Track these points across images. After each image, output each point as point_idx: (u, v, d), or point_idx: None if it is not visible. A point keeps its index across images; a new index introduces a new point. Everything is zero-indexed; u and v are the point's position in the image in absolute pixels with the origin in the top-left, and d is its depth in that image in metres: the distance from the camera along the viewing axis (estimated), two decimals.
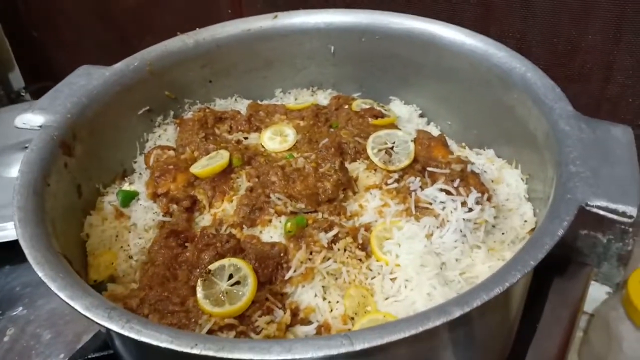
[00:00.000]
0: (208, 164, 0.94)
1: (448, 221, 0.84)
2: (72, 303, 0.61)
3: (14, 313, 1.17)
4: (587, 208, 0.68)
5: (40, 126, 0.90)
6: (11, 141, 1.51)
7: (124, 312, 0.61)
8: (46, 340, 1.12)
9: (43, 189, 0.80)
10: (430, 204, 0.87)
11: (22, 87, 2.29)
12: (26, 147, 1.42)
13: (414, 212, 0.87)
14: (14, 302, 1.19)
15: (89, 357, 0.99)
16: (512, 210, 0.92)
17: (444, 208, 0.86)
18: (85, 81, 0.99)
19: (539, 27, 1.18)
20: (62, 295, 0.62)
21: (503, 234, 0.88)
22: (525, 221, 0.89)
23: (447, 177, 0.88)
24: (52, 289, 0.63)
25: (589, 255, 1.42)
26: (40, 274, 0.64)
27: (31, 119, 0.91)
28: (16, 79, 2.29)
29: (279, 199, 0.88)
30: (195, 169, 0.94)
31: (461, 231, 0.83)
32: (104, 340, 1.00)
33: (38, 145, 0.85)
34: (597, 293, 1.49)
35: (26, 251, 0.67)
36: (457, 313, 0.56)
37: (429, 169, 0.92)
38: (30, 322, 1.15)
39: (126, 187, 0.98)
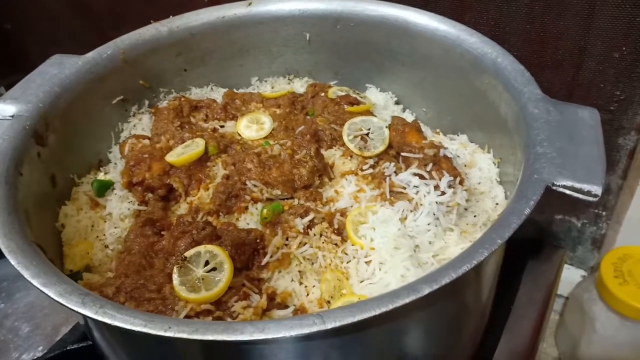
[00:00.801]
0: (184, 152, 0.94)
1: (421, 205, 0.85)
2: (45, 290, 0.61)
3: None
4: (554, 188, 0.69)
5: (12, 116, 0.89)
6: None
7: (97, 298, 0.61)
8: (25, 333, 1.11)
9: (15, 179, 0.79)
10: (404, 188, 0.88)
11: None
12: None
13: (388, 196, 0.88)
14: None
15: (68, 348, 0.99)
16: (484, 194, 0.94)
17: (417, 192, 0.87)
18: (57, 70, 0.98)
19: (513, 14, 1.20)
20: (35, 282, 0.62)
21: (475, 216, 0.89)
22: (497, 204, 0.91)
23: (420, 162, 0.89)
24: (26, 276, 0.63)
25: (564, 240, 1.45)
26: (13, 262, 0.64)
27: (2, 108, 0.89)
28: None
29: (255, 185, 0.88)
30: (171, 157, 0.94)
31: (434, 214, 0.84)
32: (83, 332, 1.00)
33: (10, 134, 0.84)
34: (572, 277, 1.52)
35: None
36: (426, 290, 0.57)
37: (403, 154, 0.93)
38: (8, 315, 1.14)
39: (101, 176, 0.97)
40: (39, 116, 0.89)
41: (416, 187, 0.87)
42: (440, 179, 0.86)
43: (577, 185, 0.69)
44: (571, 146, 0.76)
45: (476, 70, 0.98)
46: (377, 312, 0.56)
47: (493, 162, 0.97)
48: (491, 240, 0.62)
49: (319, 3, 1.14)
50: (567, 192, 0.69)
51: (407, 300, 0.56)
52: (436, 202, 0.85)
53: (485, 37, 0.99)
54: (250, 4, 1.14)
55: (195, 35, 1.12)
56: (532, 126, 0.80)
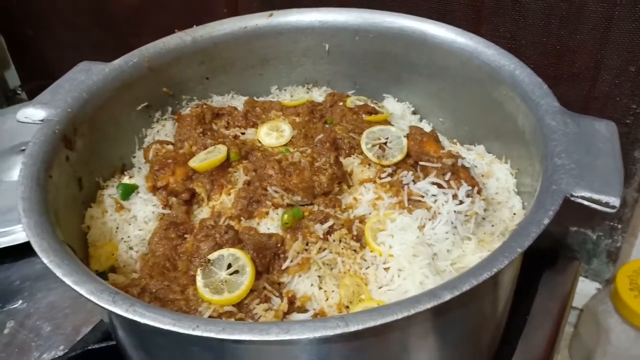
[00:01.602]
0: (206, 158, 0.96)
1: (439, 213, 0.87)
2: (77, 288, 0.63)
3: (14, 306, 1.19)
4: (572, 199, 0.71)
5: (42, 120, 0.92)
6: (7, 145, 1.52)
7: (127, 296, 0.63)
8: (46, 333, 1.13)
9: (46, 181, 0.82)
10: (422, 197, 0.89)
11: (18, 86, 2.30)
12: (23, 150, 1.45)
13: (406, 204, 0.90)
14: (14, 296, 1.21)
15: (89, 348, 1.01)
16: (501, 203, 0.95)
17: (435, 201, 0.88)
18: (85, 77, 1.01)
19: (529, 27, 1.22)
20: (67, 280, 0.64)
21: (493, 225, 0.91)
22: (514, 214, 0.92)
23: (438, 171, 0.91)
24: (58, 274, 0.65)
25: (579, 252, 1.45)
26: (45, 261, 0.66)
27: (33, 113, 0.92)
28: (12, 77, 2.30)
29: (275, 191, 0.90)
30: (194, 163, 0.96)
31: (452, 223, 0.86)
32: (104, 332, 1.02)
33: (40, 138, 0.87)
34: (587, 289, 1.52)
35: (31, 239, 0.69)
36: (447, 296, 0.59)
37: (421, 163, 0.95)
38: (29, 315, 1.16)
39: (126, 180, 1.00)
40: (68, 121, 0.92)
41: (434, 195, 0.89)
42: (458, 188, 0.88)
43: (595, 196, 0.70)
44: (589, 158, 0.77)
45: (493, 82, 0.99)
46: (399, 316, 0.57)
47: (510, 173, 0.98)
48: (511, 249, 0.63)
49: (338, 15, 1.16)
50: (585, 203, 0.71)
51: (428, 306, 0.58)
52: (454, 211, 0.86)
53: (502, 50, 1.00)
54: (271, 14, 1.17)
55: (218, 44, 1.15)
56: (550, 138, 0.81)
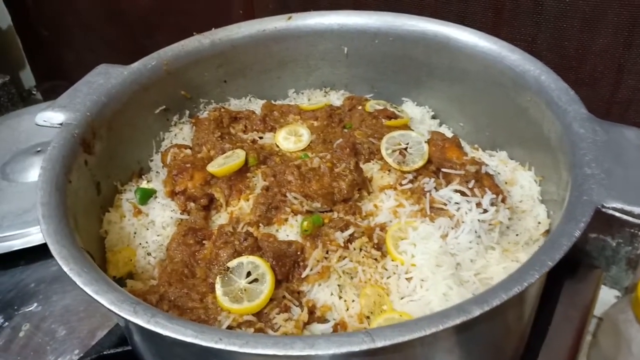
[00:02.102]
0: (225, 163, 0.95)
1: (463, 222, 0.85)
2: (98, 298, 0.63)
3: (29, 309, 1.18)
4: (604, 210, 0.69)
5: (61, 124, 0.91)
6: (23, 145, 1.52)
7: (148, 307, 0.62)
8: (61, 336, 1.13)
9: (65, 186, 0.81)
10: (445, 204, 0.88)
11: (33, 86, 2.31)
12: (39, 151, 1.45)
13: (428, 212, 0.88)
14: (29, 299, 1.20)
15: (104, 353, 1.00)
16: (525, 212, 0.93)
17: (458, 209, 0.87)
18: (103, 80, 1.00)
19: (550, 30, 1.19)
20: (88, 290, 0.63)
21: (517, 235, 0.88)
22: (539, 223, 0.90)
23: (461, 178, 0.89)
24: (78, 283, 0.64)
25: (597, 259, 1.42)
26: (65, 269, 0.66)
27: (52, 116, 0.92)
28: (27, 77, 2.31)
29: (295, 198, 0.89)
30: (212, 167, 0.95)
31: (476, 232, 0.84)
32: (119, 336, 1.02)
33: (59, 142, 0.86)
34: (605, 296, 1.49)
35: (51, 247, 0.69)
36: (476, 312, 0.57)
37: (443, 169, 0.93)
38: (44, 318, 1.16)
39: (144, 185, 0.99)
40: (87, 124, 0.91)
41: (457, 203, 0.87)
42: (482, 196, 0.86)
43: (628, 207, 0.68)
44: (619, 167, 0.75)
45: (517, 87, 0.97)
46: (427, 332, 0.56)
47: (535, 180, 0.96)
48: (541, 262, 0.61)
49: (357, 18, 1.15)
50: (617, 214, 0.69)
51: (457, 322, 0.56)
52: (478, 220, 0.84)
53: (526, 54, 0.98)
54: (290, 17, 1.15)
55: (237, 47, 1.14)
56: (579, 146, 0.79)
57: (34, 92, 2.31)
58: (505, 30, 1.20)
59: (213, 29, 1.14)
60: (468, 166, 0.91)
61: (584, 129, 0.81)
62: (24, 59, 2.30)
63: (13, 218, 1.27)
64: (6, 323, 1.16)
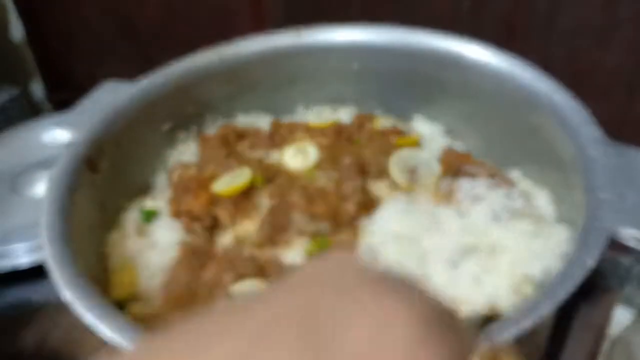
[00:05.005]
0: (230, 182, 0.94)
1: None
2: (98, 325, 0.62)
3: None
4: (617, 239, 0.67)
5: (67, 142, 0.91)
6: (33, 159, 1.51)
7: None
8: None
9: (69, 207, 0.80)
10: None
11: (44, 97, 2.32)
12: (49, 165, 1.44)
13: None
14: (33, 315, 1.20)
15: None
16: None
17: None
18: (110, 97, 1.00)
19: (561, 45, 1.18)
20: (87, 317, 0.62)
21: None
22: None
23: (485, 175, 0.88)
24: (78, 310, 0.63)
25: (610, 278, 1.39)
26: (67, 297, 0.65)
27: (58, 135, 0.92)
28: (37, 88, 2.33)
29: (300, 218, 0.87)
30: (218, 187, 0.94)
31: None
32: None
33: (64, 162, 0.86)
34: (619, 316, 1.46)
35: (55, 273, 0.68)
36: (484, 347, 0.55)
37: (466, 166, 0.91)
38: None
39: (149, 204, 0.98)
40: (93, 144, 0.91)
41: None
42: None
43: None
44: (633, 193, 0.73)
45: (530, 106, 0.95)
46: None
47: (550, 200, 0.94)
48: (554, 295, 0.59)
49: (368, 33, 1.13)
50: (632, 244, 0.66)
51: None
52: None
53: (539, 72, 0.96)
54: (300, 33, 1.14)
55: (246, 63, 1.13)
56: (591, 169, 0.77)
57: (46, 105, 2.32)
58: (516, 45, 1.19)
59: (221, 44, 1.13)
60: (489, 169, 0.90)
61: (597, 151, 0.79)
62: (36, 71, 2.32)
63: (22, 233, 1.27)
64: None
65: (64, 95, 2.23)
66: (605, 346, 1.48)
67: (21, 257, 1.23)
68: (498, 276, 0.77)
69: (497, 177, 0.88)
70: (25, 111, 2.09)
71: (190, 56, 1.10)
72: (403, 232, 0.82)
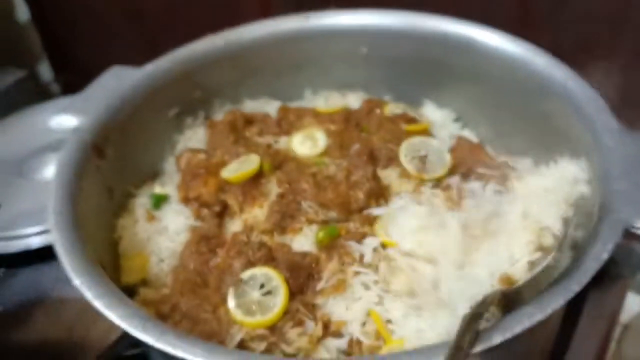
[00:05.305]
0: (239, 169, 0.93)
1: None
2: (107, 312, 0.61)
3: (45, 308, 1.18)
4: (633, 230, 0.65)
5: (73, 129, 0.90)
6: (40, 142, 1.51)
7: (158, 324, 0.61)
8: (76, 337, 1.12)
9: (77, 193, 0.80)
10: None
11: (51, 80, 2.31)
12: (56, 148, 1.43)
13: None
14: (45, 298, 1.20)
15: (120, 355, 1.00)
16: None
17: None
18: (116, 83, 0.99)
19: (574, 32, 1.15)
20: (97, 303, 0.62)
21: None
22: None
23: (497, 180, 0.86)
24: (87, 297, 0.63)
25: (622, 266, 1.38)
26: (76, 282, 0.65)
27: (64, 120, 0.91)
28: (45, 70, 2.32)
29: (310, 207, 0.87)
30: (227, 173, 0.93)
31: None
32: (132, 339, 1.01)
33: (71, 148, 0.85)
34: (631, 303, 1.45)
35: (62, 258, 0.68)
36: (498, 339, 0.55)
37: (479, 170, 0.89)
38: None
39: (158, 190, 0.98)
40: (99, 129, 0.90)
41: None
42: None
43: None
44: None
45: (543, 93, 0.93)
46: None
47: None
48: (567, 288, 0.59)
49: (377, 17, 1.11)
50: None
51: (478, 349, 0.54)
52: None
53: (553, 58, 0.94)
54: (306, 17, 1.12)
55: (252, 48, 1.11)
56: (607, 159, 0.76)
57: (52, 87, 2.31)
58: (531, 31, 1.16)
59: (227, 29, 1.11)
60: (503, 168, 0.88)
61: (613, 140, 0.78)
62: (42, 53, 2.30)
63: (30, 216, 1.27)
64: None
65: (71, 77, 2.22)
66: (617, 332, 1.48)
67: (31, 238, 1.24)
68: (512, 236, 0.76)
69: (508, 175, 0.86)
70: (33, 93, 2.07)
71: (196, 41, 1.08)
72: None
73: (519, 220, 0.77)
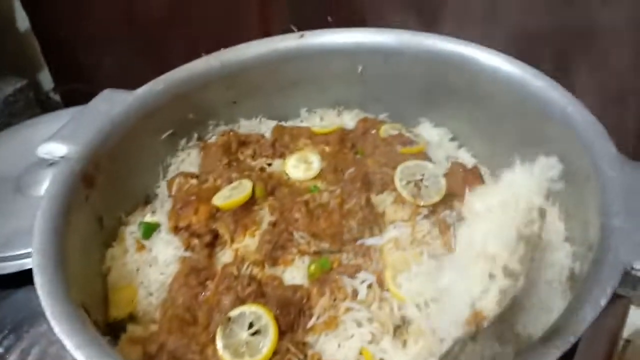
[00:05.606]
0: (231, 195, 0.92)
1: None
2: None
3: (39, 330, 1.17)
4: (633, 272, 0.63)
5: (62, 157, 0.89)
6: (36, 158, 1.49)
7: None
8: None
9: (63, 227, 0.78)
10: None
11: (52, 89, 2.30)
12: (52, 164, 1.42)
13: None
14: (39, 319, 1.19)
15: None
16: (549, 251, 0.86)
17: None
18: (107, 107, 0.97)
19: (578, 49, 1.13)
20: (77, 354, 0.61)
21: None
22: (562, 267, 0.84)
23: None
24: (67, 347, 0.61)
25: (624, 283, 1.35)
26: (56, 329, 0.63)
27: (53, 149, 0.90)
28: (46, 80, 2.31)
29: (302, 237, 0.85)
30: (218, 200, 0.91)
31: None
32: None
33: (59, 179, 0.84)
34: (632, 317, 1.42)
35: (43, 302, 0.66)
36: None
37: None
38: (53, 342, 1.15)
39: (148, 217, 0.96)
40: (88, 158, 0.89)
41: None
42: None
43: None
44: None
45: (541, 116, 0.91)
46: None
47: (558, 217, 0.90)
48: (563, 339, 0.56)
49: (373, 35, 1.09)
50: None
51: None
52: None
53: (552, 81, 0.92)
54: (302, 35, 1.10)
55: (247, 68, 1.09)
56: (606, 190, 0.74)
57: (52, 96, 2.30)
58: (530, 52, 1.13)
59: (222, 49, 1.09)
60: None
61: (613, 170, 0.75)
62: (42, 61, 2.29)
63: (25, 234, 1.26)
64: (17, 345, 1.15)
65: (72, 87, 2.21)
66: (618, 346, 1.45)
67: (25, 260, 1.23)
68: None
69: None
70: (33, 102, 2.06)
71: (190, 63, 1.07)
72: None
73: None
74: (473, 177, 0.92)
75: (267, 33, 1.14)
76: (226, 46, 1.11)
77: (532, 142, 0.94)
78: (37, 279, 0.69)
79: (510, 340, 0.71)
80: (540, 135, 0.92)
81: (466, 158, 1.08)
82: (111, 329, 0.82)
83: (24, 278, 1.24)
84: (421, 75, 1.08)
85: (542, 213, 0.65)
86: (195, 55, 1.10)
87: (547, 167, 0.67)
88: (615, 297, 1.20)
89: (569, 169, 0.85)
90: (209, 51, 1.10)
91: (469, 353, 0.57)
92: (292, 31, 1.14)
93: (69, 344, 0.62)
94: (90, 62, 2.13)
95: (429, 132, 1.11)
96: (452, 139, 1.12)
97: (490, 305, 0.61)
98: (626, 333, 1.44)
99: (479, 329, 0.57)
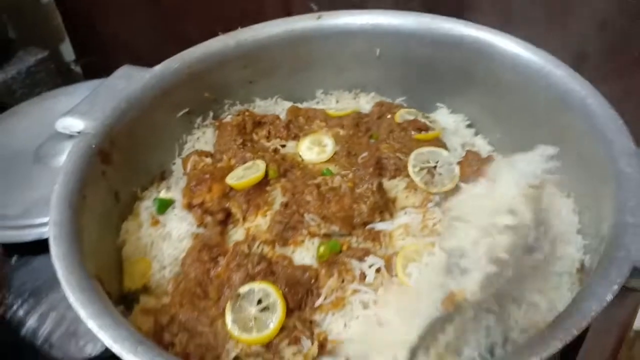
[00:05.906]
0: (244, 176, 0.92)
1: None
2: (100, 334, 0.62)
3: (57, 296, 1.20)
4: None
5: (80, 132, 0.90)
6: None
7: (150, 347, 0.61)
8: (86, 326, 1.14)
9: (79, 203, 0.80)
10: None
11: (73, 60, 2.32)
12: (73, 135, 1.44)
13: None
14: (57, 286, 1.22)
15: None
16: (562, 242, 0.86)
17: None
18: (124, 84, 0.98)
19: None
20: (90, 323, 0.63)
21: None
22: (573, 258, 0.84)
23: None
24: (81, 316, 0.63)
25: (633, 276, 1.34)
26: (70, 299, 0.65)
27: (71, 124, 0.91)
28: (67, 51, 2.33)
29: (312, 219, 0.86)
30: (232, 180, 0.92)
31: None
32: None
33: (76, 154, 0.86)
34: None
35: (59, 272, 0.68)
36: None
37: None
38: (70, 307, 1.18)
39: (163, 194, 0.97)
40: (105, 134, 0.90)
41: None
42: None
43: None
44: None
45: (560, 106, 0.90)
46: None
47: (573, 210, 0.89)
48: (566, 331, 0.57)
49: (392, 18, 1.08)
50: None
51: None
52: None
53: (573, 72, 0.90)
54: (320, 16, 1.09)
55: (263, 47, 1.09)
56: (623, 186, 0.73)
57: (73, 67, 2.32)
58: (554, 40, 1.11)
59: (239, 28, 1.09)
60: None
61: (631, 166, 0.74)
62: (64, 32, 2.31)
63: (44, 204, 1.28)
64: (35, 309, 1.18)
65: (92, 59, 2.23)
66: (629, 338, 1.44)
67: (44, 228, 1.26)
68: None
69: None
70: (54, 73, 2.08)
71: (207, 41, 1.06)
72: None
73: None
74: (487, 166, 0.91)
75: (288, 13, 1.13)
76: (247, 24, 1.11)
77: (552, 134, 0.93)
78: (53, 250, 0.71)
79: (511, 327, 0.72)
80: (558, 125, 0.91)
81: (482, 145, 1.07)
82: (124, 300, 0.84)
83: (43, 246, 1.27)
84: (440, 60, 1.07)
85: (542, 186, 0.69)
86: (213, 33, 1.10)
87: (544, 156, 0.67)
88: (626, 290, 1.20)
89: (585, 162, 0.85)
90: (228, 29, 1.10)
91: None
92: (312, 10, 1.13)
93: (82, 313, 0.64)
94: (110, 35, 2.14)
95: (445, 119, 1.10)
96: (469, 126, 1.11)
97: (473, 288, 0.63)
98: (635, 325, 1.43)
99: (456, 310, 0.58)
